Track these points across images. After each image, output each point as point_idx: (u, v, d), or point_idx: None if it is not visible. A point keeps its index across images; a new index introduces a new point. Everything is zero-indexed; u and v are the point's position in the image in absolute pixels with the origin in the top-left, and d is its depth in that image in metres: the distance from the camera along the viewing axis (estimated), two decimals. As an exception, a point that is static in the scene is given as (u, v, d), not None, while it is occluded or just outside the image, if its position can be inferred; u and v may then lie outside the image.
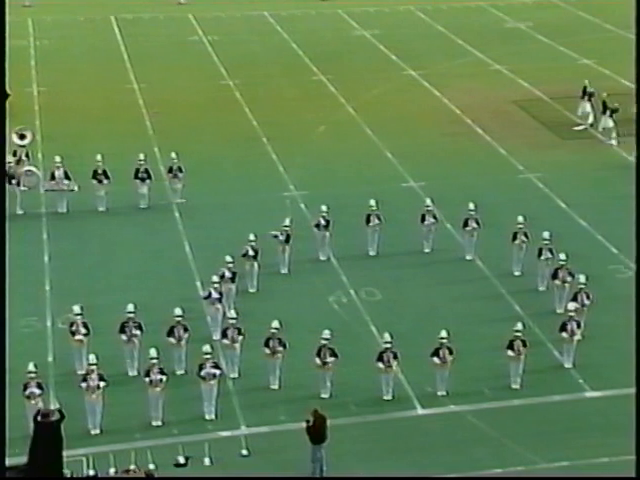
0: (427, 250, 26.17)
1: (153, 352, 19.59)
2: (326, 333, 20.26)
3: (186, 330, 21.01)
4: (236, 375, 20.97)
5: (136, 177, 28.91)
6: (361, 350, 21.28)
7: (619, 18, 47.99)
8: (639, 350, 18.09)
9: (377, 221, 26.00)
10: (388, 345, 20.08)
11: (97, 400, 19.21)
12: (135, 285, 24.44)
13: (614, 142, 33.20)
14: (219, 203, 29.38)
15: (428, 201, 26.53)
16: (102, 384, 19.24)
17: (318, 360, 20.17)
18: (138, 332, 20.95)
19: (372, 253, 26.14)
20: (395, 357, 20.06)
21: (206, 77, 41.53)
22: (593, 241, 26.64)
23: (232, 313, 21.38)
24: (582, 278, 22.17)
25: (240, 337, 20.93)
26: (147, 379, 19.51)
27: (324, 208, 25.89)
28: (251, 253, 24.18)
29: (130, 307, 21.10)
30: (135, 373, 20.87)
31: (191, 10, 51.77)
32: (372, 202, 26.15)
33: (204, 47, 46.01)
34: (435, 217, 26.16)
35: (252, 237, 24.32)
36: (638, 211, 22.58)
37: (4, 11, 18.91)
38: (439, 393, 20.25)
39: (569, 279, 22.83)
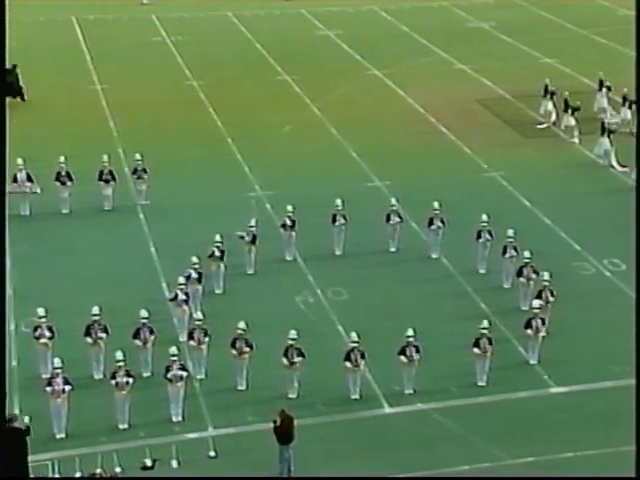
0: (393, 249, 26.27)
1: (119, 355, 19.47)
2: (293, 333, 20.27)
3: (152, 332, 20.90)
4: (203, 376, 20.90)
5: (100, 179, 28.71)
6: (328, 350, 21.31)
7: (580, 18, 48.54)
8: (639, 345, 18.25)
9: (343, 221, 26.04)
10: (355, 344, 20.13)
11: (62, 404, 19.05)
12: (100, 287, 24.27)
13: (576, 140, 33.53)
14: (184, 204, 29.26)
15: (393, 200, 26.63)
16: (67, 388, 19.09)
17: (285, 360, 20.17)
18: (104, 335, 20.80)
19: (338, 253, 26.19)
20: (362, 356, 20.11)
21: (170, 78, 41.35)
22: (556, 238, 26.90)
23: (198, 314, 21.31)
24: (546, 275, 22.37)
25: (207, 338, 20.87)
26: (113, 382, 19.39)
27: (290, 208, 25.89)
28: (217, 254, 24.12)
29: (95, 310, 20.95)
30: (101, 376, 20.73)
31: (154, 11, 51.52)
32: (338, 202, 26.20)
33: (168, 48, 45.82)
34: (400, 216, 26.26)
35: (218, 238, 24.26)
36: (638, 211, 22.81)
37: (4, 11, 18.64)
38: (406, 391, 20.33)
39: (533, 276, 23.03)
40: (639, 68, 24.98)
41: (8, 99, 35.07)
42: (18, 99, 37.21)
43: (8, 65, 35.03)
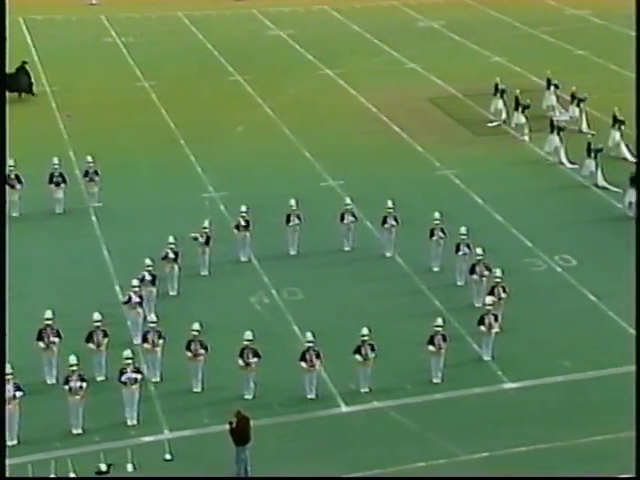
0: (347, 248, 26.34)
1: (72, 359, 19.27)
2: (248, 334, 20.24)
3: (105, 335, 20.73)
4: (158, 379, 20.77)
5: (51, 182, 28.40)
6: (284, 350, 21.30)
7: (528, 17, 49.09)
8: (639, 338, 18.51)
9: (297, 220, 26.06)
10: (310, 344, 20.15)
11: (14, 410, 18.78)
12: (52, 291, 24.00)
13: (526, 138, 33.91)
14: (137, 206, 29.05)
15: (347, 200, 26.71)
16: (19, 394, 18.83)
17: (241, 361, 20.13)
18: (56, 339, 20.58)
19: (293, 253, 26.20)
20: (318, 356, 20.14)
21: (121, 79, 41.02)
22: (508, 235, 27.17)
23: (152, 317, 21.17)
24: (498, 272, 22.59)
25: (161, 341, 20.75)
26: (66, 387, 19.18)
27: (243, 209, 25.84)
28: (171, 256, 23.99)
29: (48, 314, 20.72)
30: (54, 381, 20.51)
31: (104, 11, 51.05)
32: (292, 202, 26.20)
33: (118, 48, 45.44)
34: (354, 215, 26.35)
35: (172, 239, 24.13)
36: (638, 211, 23.09)
37: (4, 11, 18.39)
38: (362, 390, 20.40)
39: (486, 273, 23.24)
40: (639, 70, 25.25)
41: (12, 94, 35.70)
42: (26, 95, 37.53)
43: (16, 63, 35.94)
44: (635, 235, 21.86)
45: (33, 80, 38.32)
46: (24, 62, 37.96)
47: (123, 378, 19.39)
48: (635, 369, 19.86)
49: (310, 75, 41.47)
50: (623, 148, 31.98)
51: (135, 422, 19.45)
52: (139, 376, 19.53)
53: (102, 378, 20.62)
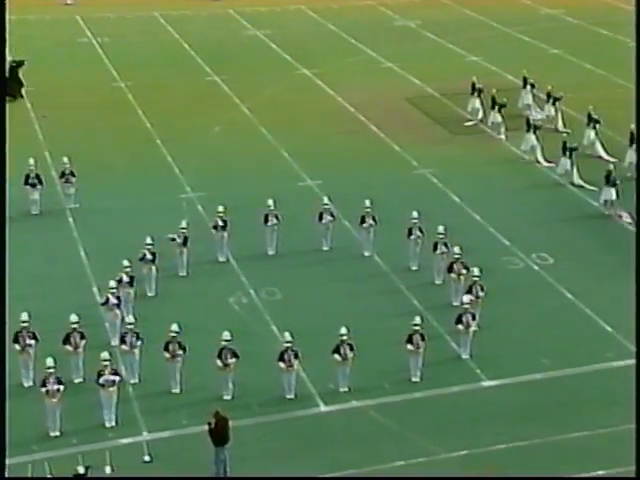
0: (325, 248, 26.34)
1: (49, 361, 19.15)
2: (226, 334, 20.19)
3: (83, 337, 20.62)
4: (136, 381, 20.68)
5: (26, 183, 28.22)
6: (262, 350, 21.27)
7: (504, 16, 49.33)
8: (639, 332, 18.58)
9: (275, 220, 26.03)
10: (289, 344, 20.13)
11: (-9, 413, 18.65)
12: (29, 293, 23.81)
13: (503, 136, 34.06)
14: (114, 207, 28.91)
15: (325, 199, 26.71)
16: (-5, 396, 18.70)
17: (219, 362, 20.08)
18: (33, 342, 20.44)
19: (271, 252, 26.16)
20: (296, 356, 20.12)
21: (97, 79, 40.81)
22: (486, 234, 27.28)
23: (130, 318, 21.07)
24: (476, 271, 22.66)
25: (139, 342, 20.66)
26: (43, 389, 19.05)
27: (221, 209, 25.78)
28: (149, 257, 23.90)
29: (24, 316, 20.57)
30: (31, 384, 20.37)
31: (79, 11, 50.78)
32: (269, 201, 26.18)
33: (94, 49, 45.23)
34: (332, 215, 26.35)
35: (149, 240, 24.03)
36: (638, 212, 23.22)
37: (4, 11, 18.24)
38: (341, 389, 20.41)
39: (464, 272, 23.31)
40: (639, 72, 25.38)
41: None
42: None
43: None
44: (635, 243, 21.84)
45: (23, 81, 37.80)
46: (16, 64, 37.24)
47: (101, 380, 19.29)
48: (635, 368, 19.95)
49: (287, 75, 41.45)
50: (598, 146, 32.21)
51: (113, 424, 19.36)
52: (117, 378, 19.44)
53: (80, 380, 20.50)
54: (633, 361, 21.15)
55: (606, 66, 40.85)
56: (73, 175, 28.81)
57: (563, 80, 37.81)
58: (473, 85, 35.77)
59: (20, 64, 37.84)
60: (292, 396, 20.23)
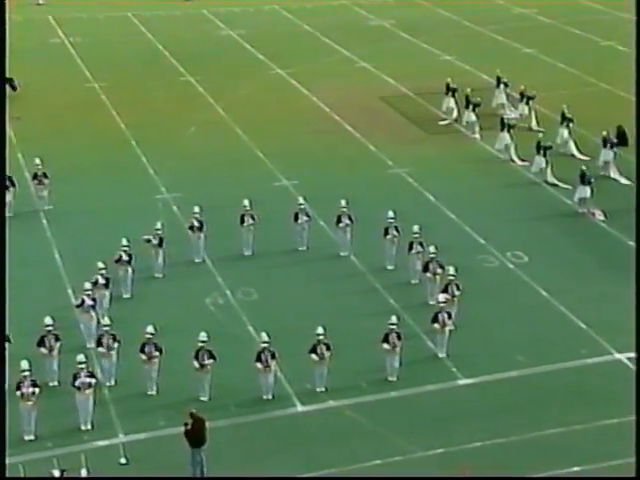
0: (302, 248, 26.34)
1: (24, 364, 19.00)
2: (203, 335, 20.14)
3: (58, 339, 20.49)
4: (112, 383, 20.58)
5: (-1, 185, 27.96)
6: (239, 351, 21.25)
7: (477, 15, 49.56)
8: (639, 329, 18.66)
9: (251, 221, 25.99)
10: (266, 345, 20.11)
11: (-34, 417, 18.50)
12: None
13: (477, 136, 34.21)
14: (88, 209, 28.75)
15: (301, 199, 26.71)
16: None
17: (196, 363, 20.03)
18: (6, 344, 20.26)
19: (247, 253, 26.13)
20: (273, 356, 20.10)
21: (70, 80, 40.57)
22: (461, 233, 27.38)
23: (106, 320, 20.97)
24: (452, 270, 22.75)
25: (116, 344, 20.56)
26: (18, 392, 18.91)
27: (196, 209, 25.72)
28: (125, 258, 23.79)
29: (-3, 319, 20.42)
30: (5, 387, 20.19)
31: (50, 11, 50.45)
32: (245, 202, 26.14)
33: (66, 49, 44.95)
34: (308, 215, 26.35)
35: (125, 242, 23.93)
36: (638, 212, 23.31)
37: (4, 11, 18.04)
38: (318, 389, 20.42)
39: (439, 271, 23.38)
40: (639, 75, 25.44)
41: None
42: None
43: None
44: (635, 244, 21.82)
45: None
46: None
47: (77, 383, 19.18)
48: (635, 365, 20.06)
49: (262, 75, 41.40)
50: (571, 145, 32.43)
51: (89, 427, 19.25)
52: (93, 380, 19.33)
53: (55, 383, 20.37)
54: (607, 358, 21.34)
55: (578, 65, 41.15)
56: (46, 177, 28.62)
57: (536, 79, 38.07)
58: (447, 85, 35.88)
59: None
60: (269, 397, 20.21)
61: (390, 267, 25.28)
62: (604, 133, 30.74)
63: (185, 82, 40.41)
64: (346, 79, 40.51)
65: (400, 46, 45.56)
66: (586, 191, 28.25)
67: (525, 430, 18.99)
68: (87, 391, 19.19)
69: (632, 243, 26.19)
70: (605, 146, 30.80)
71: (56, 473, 17.74)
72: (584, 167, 28.90)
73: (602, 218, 27.86)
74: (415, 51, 44.67)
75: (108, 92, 38.75)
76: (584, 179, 28.29)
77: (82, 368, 19.23)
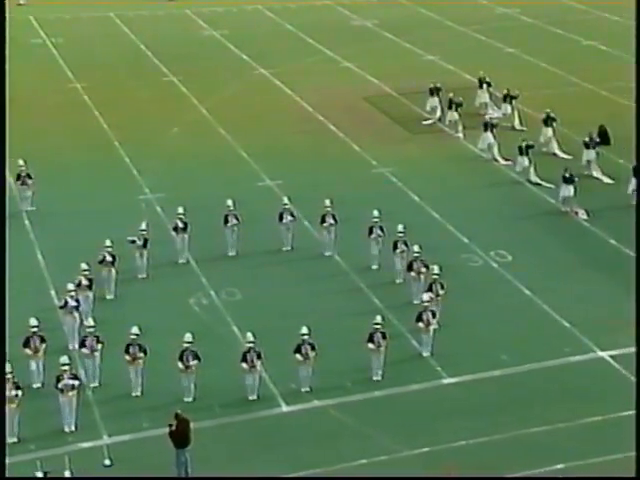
0: (286, 248, 26.32)
1: (7, 366, 18.89)
2: (188, 336, 20.10)
3: (43, 340, 20.40)
4: (97, 384, 20.51)
5: (-18, 186, 27.85)
6: (224, 351, 21.22)
7: (459, 15, 49.68)
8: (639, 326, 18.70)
9: (235, 221, 25.96)
10: (251, 345, 20.09)
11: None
12: (-15, 298, 23.49)
13: (460, 135, 34.30)
14: (72, 210, 28.64)
15: (285, 199, 26.70)
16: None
17: (180, 364, 19.98)
18: (-9, 346, 20.17)
19: (231, 253, 26.09)
20: (259, 357, 20.09)
21: (52, 80, 40.39)
22: (445, 232, 27.44)
23: (90, 321, 20.90)
24: (436, 269, 22.79)
25: (99, 345, 20.49)
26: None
27: (180, 210, 25.67)
28: (109, 259, 23.71)
29: (-20, 321, 20.32)
30: (-12, 389, 20.10)
31: (32, 11, 50.20)
32: (229, 202, 26.10)
33: (48, 50, 44.75)
34: (293, 215, 26.34)
35: (108, 243, 23.86)
36: (638, 212, 23.34)
37: (4, 11, 17.89)
38: (303, 389, 20.41)
39: (423, 270, 23.43)
40: (639, 79, 25.46)
41: None
42: None
43: None
44: (635, 246, 21.91)
45: None
46: None
47: (60, 385, 19.10)
48: (635, 362, 20.14)
49: (245, 75, 41.36)
50: (554, 144, 32.57)
51: (73, 428, 19.17)
52: (76, 382, 19.25)
53: (38, 385, 20.28)
54: (590, 356, 21.45)
55: (561, 65, 41.32)
56: (29, 177, 28.49)
57: (519, 79, 38.21)
58: (431, 85, 35.91)
59: None
60: (255, 397, 20.18)
61: (374, 266, 25.30)
62: (588, 137, 30.81)
63: (168, 82, 40.32)
64: (330, 79, 40.52)
65: (383, 46, 45.62)
66: (569, 190, 28.37)
67: (509, 428, 19.05)
68: (70, 393, 19.11)
69: (614, 242, 26.37)
70: (588, 146, 30.94)
71: (39, 475, 17.67)
72: (567, 166, 29.01)
73: (585, 217, 27.99)
74: (398, 51, 44.73)
75: (90, 92, 38.61)
76: (567, 178, 28.41)
77: (65, 370, 19.15)
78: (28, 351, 20.24)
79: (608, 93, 37.53)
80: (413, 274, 23.53)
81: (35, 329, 20.35)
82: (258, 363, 20.06)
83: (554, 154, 32.24)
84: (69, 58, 43.02)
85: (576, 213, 28.18)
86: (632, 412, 19.03)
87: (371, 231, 25.17)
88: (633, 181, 28.60)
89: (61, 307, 21.97)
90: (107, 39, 46.49)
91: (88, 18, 49.68)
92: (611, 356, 21.33)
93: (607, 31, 46.43)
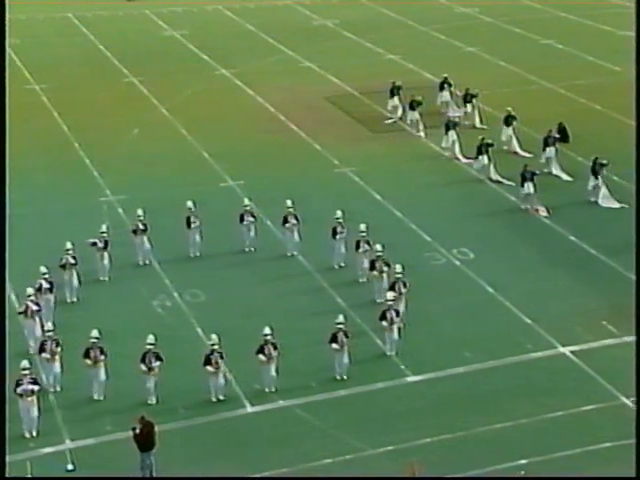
0: (248, 249, 26.26)
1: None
2: (151, 338, 19.99)
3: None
4: (58, 389, 20.31)
5: (-61, 189, 27.42)
6: (187, 353, 21.11)
7: (420, 15, 49.93)
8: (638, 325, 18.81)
9: (197, 222, 25.84)
10: (215, 346, 20.02)
11: None
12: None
13: (422, 134, 34.45)
14: (31, 212, 28.34)
15: (246, 200, 26.64)
16: None
17: (143, 366, 19.86)
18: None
19: (193, 255, 25.97)
20: (222, 357, 20.02)
21: (9, 82, 39.76)
22: (407, 230, 27.54)
23: (49, 325, 20.68)
24: (398, 267, 22.87)
25: (59, 349, 20.28)
26: (-39, 401, 18.56)
27: (140, 212, 25.50)
28: (71, 261, 23.49)
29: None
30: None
31: (-11, 12, 49.50)
32: (189, 203, 25.99)
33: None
34: (253, 215, 26.28)
35: (69, 245, 23.65)
36: (638, 212, 23.44)
37: (4, 11, 17.61)
38: (267, 390, 20.38)
39: (385, 269, 23.49)
40: (639, 81, 25.57)
41: None
42: None
43: None
44: (635, 245, 22.10)
45: None
46: None
47: (19, 390, 18.88)
48: (635, 361, 20.25)
49: (206, 75, 41.21)
50: (514, 143, 32.83)
51: (34, 434, 18.97)
52: (36, 387, 19.05)
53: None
54: (552, 351, 21.65)
55: (519, 63, 41.68)
56: (-13, 180, 28.10)
57: (478, 77, 38.48)
58: (393, 84, 36.02)
59: None
60: (222, 397, 20.10)
61: (337, 266, 25.32)
62: (547, 134, 31.10)
63: (128, 83, 40.05)
64: (291, 79, 40.51)
65: (344, 46, 45.69)
66: (529, 187, 28.62)
67: (473, 425, 19.17)
68: (29, 398, 18.90)
69: (574, 238, 26.66)
70: (547, 143, 31.23)
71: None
72: (526, 164, 29.26)
73: (545, 214, 28.25)
74: (359, 50, 44.83)
75: (49, 94, 38.25)
76: (527, 175, 28.65)
77: (25, 374, 18.94)
78: (-12, 356, 19.98)
79: (566, 91, 37.93)
80: (376, 273, 23.59)
81: (-5, 334, 20.08)
82: (222, 364, 19.98)
83: (515, 152, 32.50)
84: (26, 59, 42.58)
85: (536, 210, 28.44)
86: (593, 406, 19.30)
87: (335, 231, 25.17)
88: (592, 178, 28.93)
89: (20, 313, 21.69)
90: (66, 40, 46.09)
91: (46, 18, 49.22)
92: (572, 352, 21.55)
93: (563, 30, 46.94)
